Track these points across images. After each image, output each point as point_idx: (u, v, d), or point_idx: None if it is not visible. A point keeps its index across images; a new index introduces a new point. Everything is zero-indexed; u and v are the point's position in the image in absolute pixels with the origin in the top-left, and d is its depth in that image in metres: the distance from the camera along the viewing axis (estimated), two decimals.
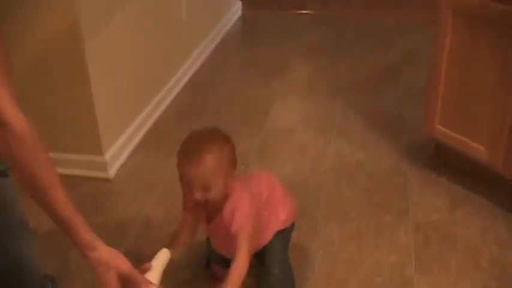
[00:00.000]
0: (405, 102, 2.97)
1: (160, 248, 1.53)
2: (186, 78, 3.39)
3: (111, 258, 1.24)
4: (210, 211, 1.61)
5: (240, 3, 4.52)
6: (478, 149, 2.18)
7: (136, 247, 2.05)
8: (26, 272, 1.39)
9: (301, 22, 4.32)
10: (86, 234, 1.21)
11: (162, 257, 1.49)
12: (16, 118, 1.09)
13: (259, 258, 1.72)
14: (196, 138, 1.56)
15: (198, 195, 1.51)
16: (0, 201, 1.30)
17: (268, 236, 1.70)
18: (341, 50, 3.76)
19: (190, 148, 1.53)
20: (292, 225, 1.79)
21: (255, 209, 1.61)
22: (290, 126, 2.84)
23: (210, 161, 1.49)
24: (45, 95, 2.39)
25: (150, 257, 1.52)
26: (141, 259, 1.46)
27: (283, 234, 1.75)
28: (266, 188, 1.72)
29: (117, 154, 2.56)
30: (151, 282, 1.31)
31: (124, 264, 1.25)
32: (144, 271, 1.42)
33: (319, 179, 2.42)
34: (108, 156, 2.50)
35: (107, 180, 2.49)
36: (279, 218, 1.72)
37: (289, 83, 3.32)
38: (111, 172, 2.51)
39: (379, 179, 2.40)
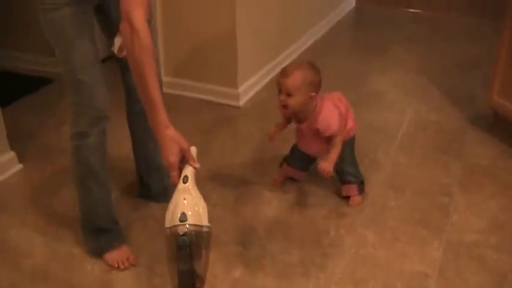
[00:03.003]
0: (481, 85, 3.57)
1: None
2: (308, 43, 4.22)
3: (177, 136, 1.68)
4: (297, 116, 2.26)
5: None
6: None
7: (257, 148, 2.87)
8: None
9: (405, 18, 5.03)
10: (165, 115, 1.67)
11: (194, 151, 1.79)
12: (145, 30, 1.59)
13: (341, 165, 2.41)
14: (295, 63, 2.31)
15: (282, 97, 2.16)
16: None
17: (346, 136, 2.37)
18: (435, 41, 4.44)
19: (287, 67, 2.21)
20: (353, 136, 2.44)
21: (339, 118, 2.28)
22: (381, 90, 3.58)
23: (296, 77, 2.13)
24: (195, 26, 3.22)
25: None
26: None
27: (349, 142, 2.42)
28: (340, 103, 2.37)
29: (247, 90, 3.40)
30: (196, 162, 1.74)
31: (185, 143, 1.69)
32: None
33: (400, 128, 3.12)
34: (240, 89, 3.34)
35: (237, 107, 3.33)
36: (348, 127, 2.37)
37: (386, 61, 4.05)
38: (241, 102, 3.35)
39: (444, 138, 3.01)
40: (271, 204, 2.48)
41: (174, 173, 1.67)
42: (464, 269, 2.11)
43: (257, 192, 2.55)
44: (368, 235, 2.30)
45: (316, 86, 2.20)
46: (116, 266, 2.08)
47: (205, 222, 1.62)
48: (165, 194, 2.10)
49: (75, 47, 1.82)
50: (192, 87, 3.41)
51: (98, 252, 2.13)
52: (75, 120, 1.94)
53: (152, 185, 2.39)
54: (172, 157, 1.66)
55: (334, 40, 4.51)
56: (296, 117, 2.30)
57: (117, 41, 1.96)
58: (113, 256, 2.09)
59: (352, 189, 2.46)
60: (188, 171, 1.70)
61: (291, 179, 2.59)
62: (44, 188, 2.55)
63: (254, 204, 2.48)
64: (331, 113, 2.24)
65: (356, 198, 2.46)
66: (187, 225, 1.57)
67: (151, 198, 2.42)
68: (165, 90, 3.37)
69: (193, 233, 1.57)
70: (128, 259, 2.10)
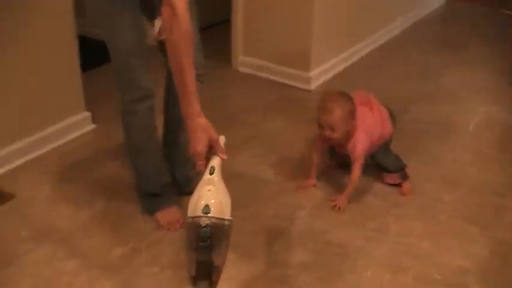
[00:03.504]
0: None
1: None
2: (385, 38, 4.18)
3: (208, 125, 1.70)
4: (336, 145, 2.39)
5: None
6: None
7: None
8: None
9: (497, 18, 4.88)
10: (197, 102, 1.70)
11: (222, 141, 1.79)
12: (184, 15, 1.63)
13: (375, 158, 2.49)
14: (329, 95, 2.35)
15: (327, 133, 2.28)
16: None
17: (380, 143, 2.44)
18: None
19: (325, 103, 2.29)
20: (389, 138, 2.49)
21: (368, 142, 2.35)
22: (455, 87, 3.52)
23: (337, 112, 2.25)
24: (274, 8, 3.32)
25: None
26: None
27: (386, 143, 2.48)
28: (375, 116, 2.42)
29: (319, 75, 3.44)
30: (224, 153, 1.73)
31: (214, 133, 1.69)
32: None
33: (468, 126, 3.09)
34: (312, 73, 3.38)
35: (308, 91, 3.38)
36: (384, 131, 2.43)
37: (466, 59, 3.98)
38: (312, 86, 3.40)
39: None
40: (321, 184, 2.53)
41: (201, 162, 1.68)
42: (510, 271, 2.07)
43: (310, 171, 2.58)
44: (415, 226, 2.30)
45: (353, 113, 2.31)
46: (166, 227, 2.19)
47: (227, 215, 1.61)
48: (187, 185, 2.20)
49: (121, 29, 1.89)
50: (265, 67, 3.48)
51: (149, 212, 2.25)
52: (122, 98, 2.04)
53: (176, 175, 2.39)
54: (200, 146, 1.67)
55: (417, 34, 4.45)
56: (336, 144, 2.41)
57: (157, 24, 2.00)
58: (164, 216, 2.21)
59: (392, 178, 2.49)
60: (215, 162, 1.69)
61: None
62: (110, 149, 2.71)
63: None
64: (360, 137, 2.34)
65: (404, 186, 2.48)
66: (209, 218, 1.56)
67: (173, 188, 2.41)
68: (240, 69, 3.52)
69: (214, 225, 1.56)
70: (178, 221, 2.21)
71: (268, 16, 3.38)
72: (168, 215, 2.21)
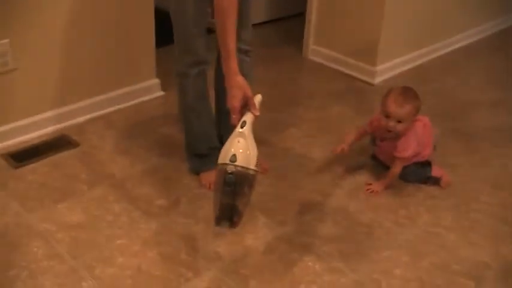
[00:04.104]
0: None
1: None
2: (462, 43, 4.17)
3: (244, 83, 1.88)
4: (390, 135, 2.41)
5: None
6: None
7: None
8: None
9: None
10: (235, 63, 1.89)
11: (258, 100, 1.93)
12: None
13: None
14: (401, 90, 2.41)
15: (392, 124, 2.34)
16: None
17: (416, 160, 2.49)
18: None
19: (396, 95, 2.35)
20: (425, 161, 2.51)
21: (417, 150, 2.43)
22: None
23: (409, 107, 2.33)
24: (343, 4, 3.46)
25: None
26: None
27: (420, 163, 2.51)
28: (425, 133, 2.48)
29: (385, 70, 3.52)
30: (257, 110, 1.88)
31: (249, 90, 1.87)
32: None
33: None
34: (378, 68, 3.47)
35: (371, 84, 3.47)
36: (423, 153, 2.49)
37: None
38: (376, 80, 3.48)
39: None
40: (363, 171, 2.63)
41: (235, 116, 1.85)
42: None
43: (355, 157, 2.69)
44: (445, 218, 2.36)
45: (418, 110, 2.41)
46: (208, 186, 2.37)
47: (252, 166, 1.75)
48: None
49: (186, 3, 2.11)
50: (334, 58, 3.61)
51: (195, 171, 2.45)
52: (179, 61, 2.23)
53: (225, 137, 2.55)
54: (236, 101, 1.85)
55: (502, 41, 4.37)
56: (381, 134, 2.47)
57: None
58: (207, 177, 2.39)
59: (435, 170, 2.55)
60: (248, 117, 1.84)
61: None
62: (173, 115, 2.92)
63: (348, 165, 2.65)
64: (411, 139, 2.41)
65: (444, 179, 2.54)
66: (235, 166, 1.71)
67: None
68: (310, 57, 3.67)
69: (239, 173, 1.71)
70: None
71: (340, 9, 3.50)
72: (211, 175, 2.37)
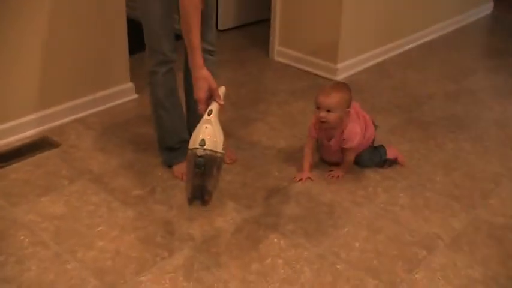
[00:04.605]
0: None
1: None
2: (422, 40, 4.40)
3: (209, 76, 2.07)
4: (328, 133, 2.56)
5: (492, 4, 5.32)
6: None
7: None
8: None
9: None
10: (200, 58, 2.09)
11: (222, 91, 2.13)
12: None
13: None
14: (332, 83, 2.60)
15: (323, 114, 2.47)
16: None
17: (365, 144, 2.68)
18: None
19: (326, 88, 2.53)
20: (372, 140, 2.71)
21: (361, 136, 2.60)
22: (476, 88, 3.72)
23: (336, 95, 2.47)
24: (303, 8, 3.67)
25: None
26: None
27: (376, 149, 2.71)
28: (363, 119, 2.66)
29: (345, 68, 3.73)
30: (221, 99, 2.08)
31: (213, 82, 2.07)
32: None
33: (479, 123, 3.29)
34: (339, 66, 3.68)
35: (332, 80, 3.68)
36: (367, 135, 2.66)
37: (496, 66, 4.14)
38: (339, 77, 3.69)
39: None
40: (322, 163, 2.81)
41: (201, 106, 2.05)
42: (478, 242, 2.29)
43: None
44: (401, 197, 2.56)
45: (350, 103, 2.54)
46: (180, 177, 2.55)
47: (219, 149, 1.94)
48: None
49: (151, 4, 2.28)
50: (298, 57, 3.83)
51: (167, 164, 2.64)
52: (148, 61, 2.41)
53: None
54: (202, 93, 2.06)
55: (459, 40, 4.62)
56: (327, 134, 2.60)
57: None
58: (179, 169, 2.57)
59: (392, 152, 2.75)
60: (214, 106, 2.03)
61: None
62: (146, 116, 3.05)
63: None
64: (355, 127, 2.57)
65: (401, 158, 2.76)
66: (204, 149, 1.90)
67: None
68: (276, 58, 3.88)
69: (208, 156, 1.90)
70: None
71: (302, 12, 3.72)
72: (182, 167, 2.54)
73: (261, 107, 3.32)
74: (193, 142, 1.94)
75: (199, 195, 1.96)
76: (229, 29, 4.52)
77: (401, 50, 4.18)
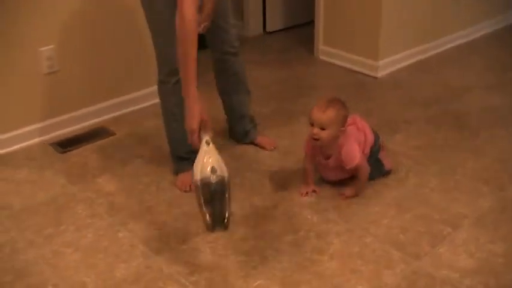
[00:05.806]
0: None
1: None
2: (464, 40, 4.47)
3: (202, 109, 2.02)
4: (324, 151, 2.46)
5: None
6: None
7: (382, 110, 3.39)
8: None
9: None
10: (195, 90, 2.03)
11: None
12: (191, 21, 1.98)
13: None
14: (327, 99, 2.39)
15: (316, 131, 2.34)
16: None
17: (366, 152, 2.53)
18: None
19: (321, 103, 2.36)
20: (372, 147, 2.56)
21: (360, 151, 2.45)
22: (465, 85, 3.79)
23: (331, 112, 2.33)
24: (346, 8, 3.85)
25: None
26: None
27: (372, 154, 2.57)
28: (363, 132, 2.54)
29: (387, 65, 3.88)
30: (210, 132, 2.06)
31: (206, 114, 2.03)
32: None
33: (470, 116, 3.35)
34: (380, 63, 3.83)
35: (375, 78, 3.83)
36: (367, 141, 2.53)
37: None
38: (379, 74, 3.84)
39: None
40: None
41: (195, 137, 2.03)
42: (503, 221, 2.37)
43: None
44: (432, 181, 2.66)
45: (345, 121, 2.42)
46: (180, 187, 2.57)
47: (226, 173, 1.98)
48: (246, 137, 2.85)
49: (159, 16, 2.32)
50: (340, 55, 4.01)
51: (176, 173, 2.65)
52: (158, 71, 2.46)
53: (236, 129, 2.89)
54: (195, 124, 2.02)
55: (496, 41, 4.62)
56: (323, 153, 2.49)
57: None
58: (182, 178, 2.58)
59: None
60: (207, 136, 2.04)
61: None
62: None
63: None
64: (352, 146, 2.44)
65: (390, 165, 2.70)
66: (217, 176, 1.94)
67: (236, 140, 2.92)
68: (320, 57, 4.07)
69: (222, 181, 1.94)
70: (190, 185, 2.50)
71: (343, 12, 3.90)
72: (185, 177, 2.55)
73: (303, 100, 3.49)
74: (201, 171, 1.96)
75: (220, 220, 1.97)
76: (276, 31, 4.73)
77: (441, 49, 4.26)
